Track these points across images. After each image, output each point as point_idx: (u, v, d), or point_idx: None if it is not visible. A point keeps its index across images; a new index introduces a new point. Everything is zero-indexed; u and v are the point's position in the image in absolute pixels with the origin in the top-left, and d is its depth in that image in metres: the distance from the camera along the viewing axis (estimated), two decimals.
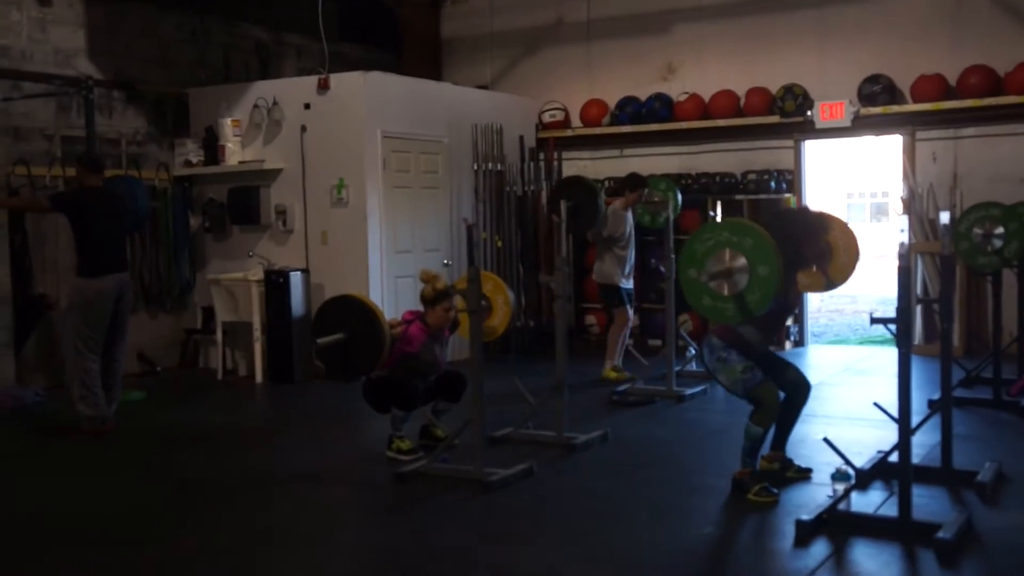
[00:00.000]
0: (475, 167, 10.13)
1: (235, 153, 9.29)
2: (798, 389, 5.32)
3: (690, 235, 9.48)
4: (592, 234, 8.32)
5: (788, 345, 9.98)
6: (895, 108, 9.58)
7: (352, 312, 5.65)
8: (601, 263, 8.39)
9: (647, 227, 8.92)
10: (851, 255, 5.39)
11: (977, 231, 7.07)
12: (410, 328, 5.98)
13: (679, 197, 8.80)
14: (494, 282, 6.37)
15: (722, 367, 5.10)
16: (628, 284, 8.45)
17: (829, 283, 5.45)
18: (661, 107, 10.53)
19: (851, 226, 5.59)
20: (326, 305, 5.86)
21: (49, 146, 8.69)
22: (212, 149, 9.35)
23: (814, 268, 5.18)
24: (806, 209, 5.69)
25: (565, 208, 6.91)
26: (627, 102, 10.72)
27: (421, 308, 6.12)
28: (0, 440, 6.96)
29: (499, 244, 10.10)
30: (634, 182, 8.47)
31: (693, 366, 8.42)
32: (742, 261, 4.72)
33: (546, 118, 11.09)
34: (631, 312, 8.55)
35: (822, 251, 5.18)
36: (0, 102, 8.23)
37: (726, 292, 4.77)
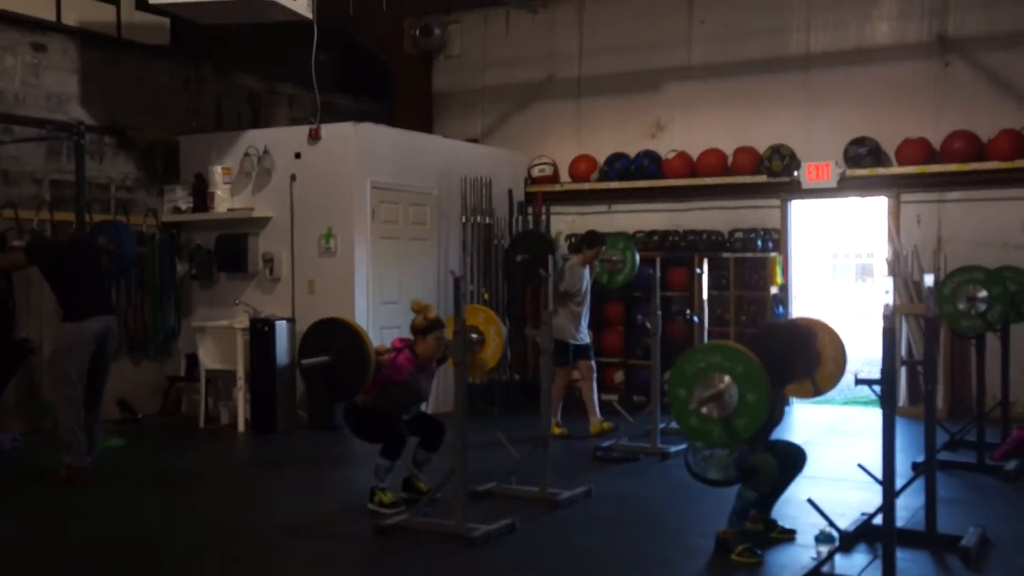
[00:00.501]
0: (463, 220, 10.17)
1: (224, 201, 9.31)
2: (793, 460, 5.31)
3: (677, 292, 9.65)
4: (544, 288, 8.39)
5: None
6: (880, 170, 9.69)
7: (338, 335, 5.65)
8: (555, 318, 8.43)
9: (605, 286, 9.00)
10: (838, 363, 5.50)
11: (961, 296, 7.12)
12: (399, 357, 5.95)
13: (636, 257, 8.91)
14: (486, 314, 6.36)
15: (709, 463, 5.05)
16: (584, 340, 8.50)
17: (816, 391, 5.49)
18: (649, 164, 10.63)
19: (837, 331, 5.61)
20: (313, 327, 5.86)
21: (38, 190, 8.70)
22: (201, 196, 9.37)
23: (803, 376, 5.23)
24: (793, 323, 5.75)
25: (520, 261, 6.92)
26: (616, 158, 10.82)
27: (411, 337, 6.09)
28: None
29: (486, 297, 10.11)
30: (591, 239, 8.59)
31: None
32: (729, 383, 4.71)
33: (535, 172, 11.17)
34: (591, 364, 8.60)
35: (810, 364, 5.22)
36: None
37: (715, 415, 4.77)
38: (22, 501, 6.41)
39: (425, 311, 6.03)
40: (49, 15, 8.78)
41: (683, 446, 7.54)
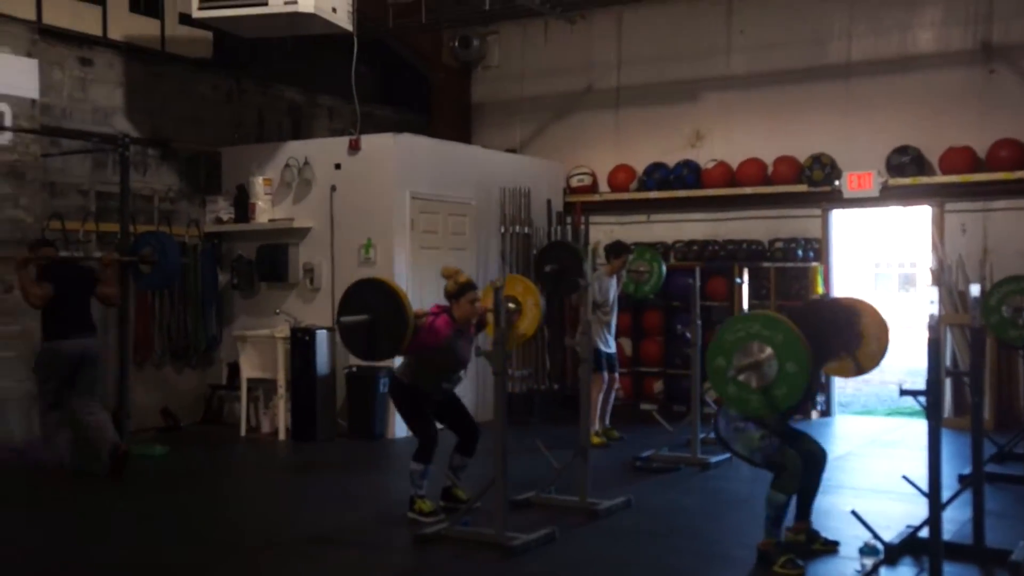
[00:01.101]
0: (502, 230, 10.18)
1: (265, 211, 9.40)
2: (815, 458, 5.25)
3: (716, 302, 9.60)
4: (575, 298, 8.40)
5: (814, 415, 9.87)
6: (924, 179, 9.57)
7: (377, 295, 5.69)
8: (582, 327, 8.45)
9: (632, 296, 9.00)
10: (881, 343, 5.39)
11: (1008, 306, 7.01)
12: (436, 321, 5.95)
13: (663, 268, 8.90)
14: (524, 284, 6.38)
15: (739, 436, 5.07)
16: (610, 349, 8.55)
17: (859, 369, 5.42)
18: (689, 174, 10.58)
19: (881, 310, 5.54)
20: (353, 287, 5.90)
21: (84, 201, 8.83)
22: (243, 207, 9.47)
23: (843, 354, 5.17)
24: (836, 300, 5.68)
25: (549, 271, 6.95)
26: (655, 168, 10.79)
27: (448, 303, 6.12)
28: (16, 489, 6.96)
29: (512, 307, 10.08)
30: (617, 250, 8.63)
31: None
32: (770, 353, 4.71)
33: (574, 182, 11.16)
34: (615, 376, 8.67)
35: (851, 341, 5.16)
36: (40, 157, 8.38)
37: (754, 384, 4.75)
38: (65, 504, 6.51)
39: (455, 275, 6.09)
40: (96, 30, 8.93)
41: (725, 455, 7.54)
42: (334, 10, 8.54)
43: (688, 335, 7.98)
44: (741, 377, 4.78)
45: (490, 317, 6.00)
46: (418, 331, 5.78)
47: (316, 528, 5.93)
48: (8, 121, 8.00)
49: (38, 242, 7.50)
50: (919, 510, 4.80)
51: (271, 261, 9.34)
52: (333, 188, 9.23)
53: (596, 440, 8.20)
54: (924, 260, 10.20)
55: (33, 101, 8.29)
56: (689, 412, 7.75)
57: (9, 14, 8.16)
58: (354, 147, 9.19)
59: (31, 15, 8.35)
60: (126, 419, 7.58)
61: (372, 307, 5.69)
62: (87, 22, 8.87)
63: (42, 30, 8.42)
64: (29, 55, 8.26)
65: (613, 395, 8.76)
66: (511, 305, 6.01)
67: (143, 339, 9.08)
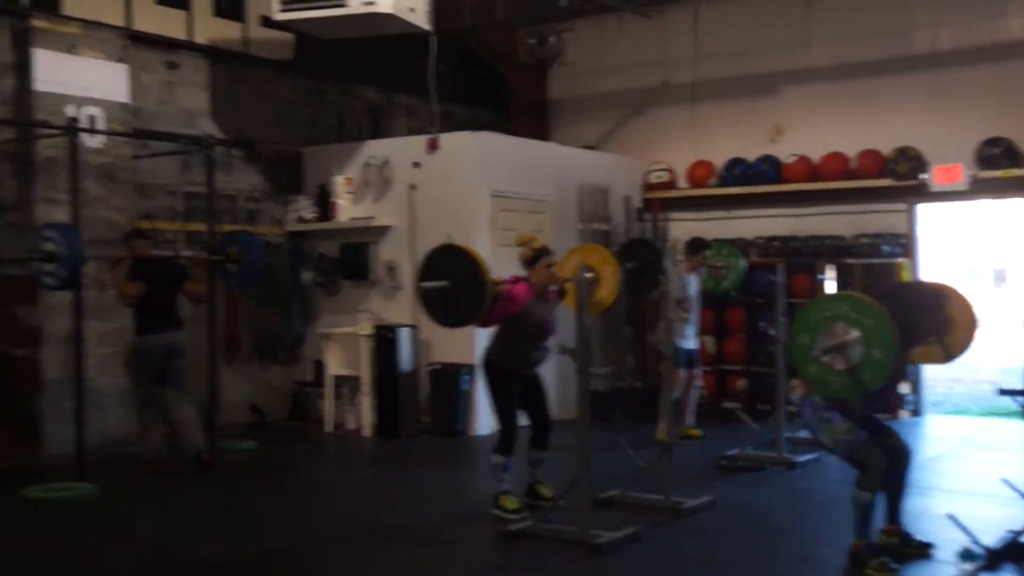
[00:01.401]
0: (580, 227, 10.15)
1: (346, 210, 9.52)
2: (898, 454, 5.13)
3: (799, 299, 9.44)
4: (656, 295, 8.33)
5: (904, 415, 9.65)
6: (1016, 172, 9.29)
7: (457, 261, 5.74)
8: (661, 324, 8.39)
9: (711, 292, 8.89)
10: (969, 329, 5.23)
11: None
12: (514, 288, 5.97)
13: (742, 264, 8.77)
14: (601, 254, 6.36)
15: (824, 426, 4.99)
16: (689, 345, 8.47)
17: (947, 356, 5.28)
18: (769, 169, 10.43)
19: (969, 296, 5.40)
20: (433, 253, 5.95)
21: (172, 201, 9.04)
22: (324, 206, 9.60)
23: (931, 340, 5.04)
24: (923, 283, 5.54)
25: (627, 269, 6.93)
26: (735, 163, 10.66)
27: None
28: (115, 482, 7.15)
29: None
30: (695, 246, 8.56)
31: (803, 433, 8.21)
32: (856, 335, 4.62)
33: (652, 178, 11.09)
34: (696, 372, 8.59)
35: (939, 326, 5.03)
36: (130, 159, 8.60)
37: (839, 367, 4.67)
38: (160, 497, 6.70)
39: (531, 241, 6.11)
40: (181, 34, 9.13)
41: (812, 455, 7.43)
42: (412, 10, 8.63)
43: (771, 332, 7.87)
44: (825, 358, 4.70)
45: (568, 287, 6.01)
46: (497, 299, 5.80)
47: (400, 523, 5.99)
48: (101, 124, 8.23)
49: (133, 233, 7.72)
50: (1018, 514, 4.66)
51: (353, 259, 9.46)
52: (413, 187, 9.30)
53: (661, 436, 8.13)
54: (1019, 255, 9.91)
55: (124, 105, 8.52)
56: (774, 411, 7.64)
57: (101, 21, 8.39)
58: (433, 146, 9.25)
59: (121, 21, 8.58)
60: (216, 414, 7.73)
61: (452, 273, 5.73)
62: (173, 27, 9.08)
63: (132, 36, 8.64)
64: (120, 60, 8.49)
65: (696, 392, 8.68)
66: (589, 275, 6.00)
67: (231, 337, 9.27)
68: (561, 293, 6.24)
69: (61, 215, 7.56)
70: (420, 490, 7.00)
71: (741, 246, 10.00)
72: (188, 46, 9.22)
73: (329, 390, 9.30)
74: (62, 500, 6.54)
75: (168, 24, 9.04)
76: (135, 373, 7.48)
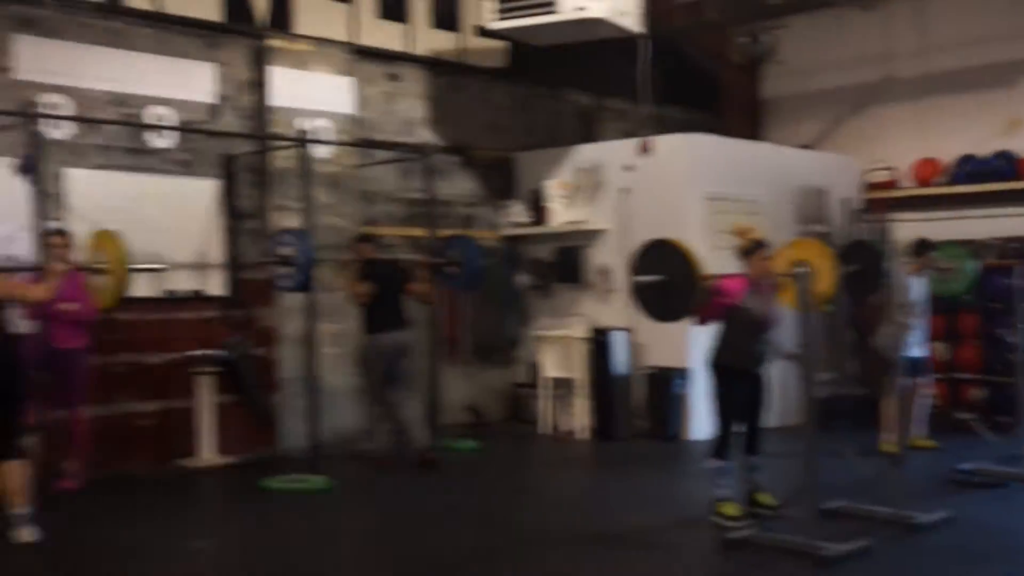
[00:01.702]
0: (797, 229, 9.82)
1: (559, 214, 9.62)
2: None
3: None
4: (876, 299, 7.91)
5: None
6: None
7: (670, 255, 5.69)
8: (887, 328, 7.95)
9: (939, 296, 8.38)
10: None
11: None
12: (730, 281, 5.88)
13: (971, 266, 8.26)
14: (816, 247, 6.16)
15: None
16: (914, 352, 7.99)
17: None
18: (1005, 165, 9.79)
19: None
20: (646, 246, 5.92)
21: (392, 207, 9.40)
22: (537, 210, 9.75)
23: None
24: None
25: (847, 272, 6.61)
26: (965, 160, 10.06)
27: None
28: (347, 479, 7.50)
29: (825, 309, 9.70)
30: (920, 248, 8.11)
31: None
32: None
33: (873, 178, 10.62)
34: (923, 381, 8.12)
35: None
36: (355, 168, 9.02)
37: None
38: (388, 493, 6.98)
39: (748, 232, 5.98)
40: (401, 47, 9.49)
41: None
42: (623, 14, 8.63)
43: (1010, 339, 7.37)
44: None
45: (783, 281, 5.84)
46: (712, 294, 5.72)
47: (616, 527, 5.97)
48: (329, 136, 8.68)
49: (360, 237, 8.09)
50: None
51: (567, 263, 9.56)
52: (625, 190, 9.29)
53: (887, 447, 7.74)
54: None
55: (350, 116, 8.95)
56: (1016, 423, 7.13)
57: (330, 38, 8.85)
58: (645, 149, 9.19)
59: (347, 37, 9.01)
60: (438, 414, 7.99)
61: (664, 267, 5.68)
62: (393, 40, 9.45)
63: (356, 50, 9.06)
64: (346, 74, 8.92)
65: (926, 402, 8.22)
66: (804, 269, 5.81)
67: (452, 338, 9.55)
68: (775, 287, 6.07)
69: (293, 222, 8.01)
70: (636, 494, 6.96)
71: (973, 248, 9.41)
72: (407, 58, 9.57)
73: (544, 392, 9.42)
74: (298, 491, 6.93)
75: (389, 37, 9.41)
76: (365, 372, 7.83)
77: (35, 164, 6.90)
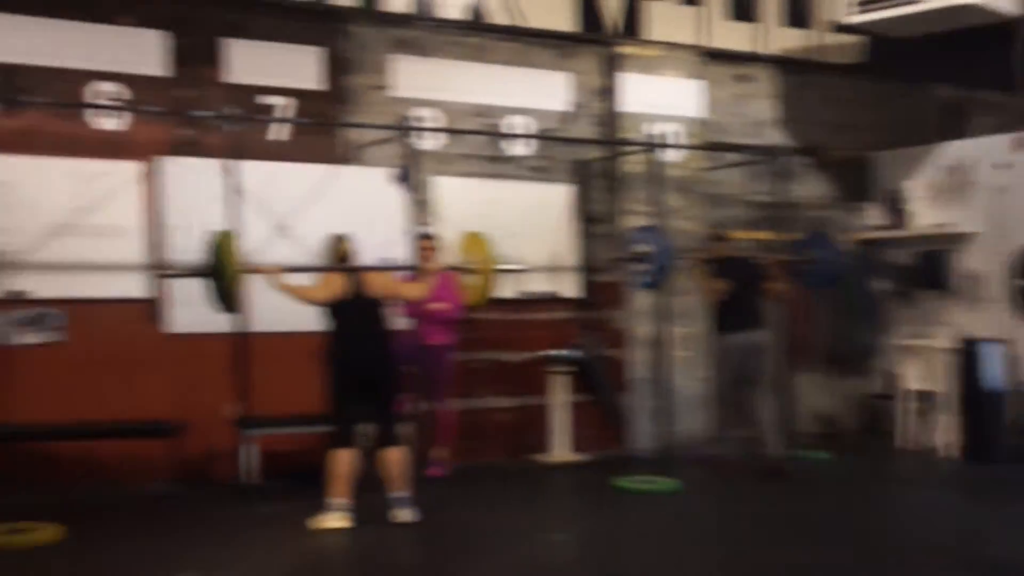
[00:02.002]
0: None
1: (920, 216, 9.01)
2: None
3: None
4: None
5: None
6: None
7: None
8: None
9: None
10: None
11: None
12: None
13: None
14: None
15: None
16: None
17: None
18: None
19: None
20: None
21: (740, 211, 9.24)
22: (896, 212, 9.20)
23: None
24: None
25: None
26: None
27: None
28: (694, 483, 7.43)
29: None
30: None
31: None
32: None
33: None
34: None
35: None
36: (704, 171, 8.95)
37: None
38: (733, 499, 6.85)
39: None
40: (750, 47, 9.31)
41: None
42: None
43: None
44: None
45: None
46: None
47: (994, 556, 5.41)
48: (679, 139, 8.67)
49: (713, 236, 8.02)
50: None
51: (930, 268, 8.94)
52: (1000, 189, 8.51)
53: None
54: None
55: (699, 120, 8.91)
56: None
57: (679, 42, 8.86)
58: (1020, 145, 8.39)
59: (696, 40, 8.97)
60: (790, 422, 7.73)
61: None
62: (743, 41, 9.28)
63: (706, 53, 9.00)
64: (696, 77, 8.89)
65: None
66: None
67: (805, 344, 9.22)
68: None
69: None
70: (1020, 523, 6.28)
71: None
72: (756, 58, 9.37)
73: (904, 404, 8.84)
74: (649, 492, 6.95)
75: (739, 39, 9.26)
76: (717, 372, 7.72)
77: (410, 174, 7.48)
